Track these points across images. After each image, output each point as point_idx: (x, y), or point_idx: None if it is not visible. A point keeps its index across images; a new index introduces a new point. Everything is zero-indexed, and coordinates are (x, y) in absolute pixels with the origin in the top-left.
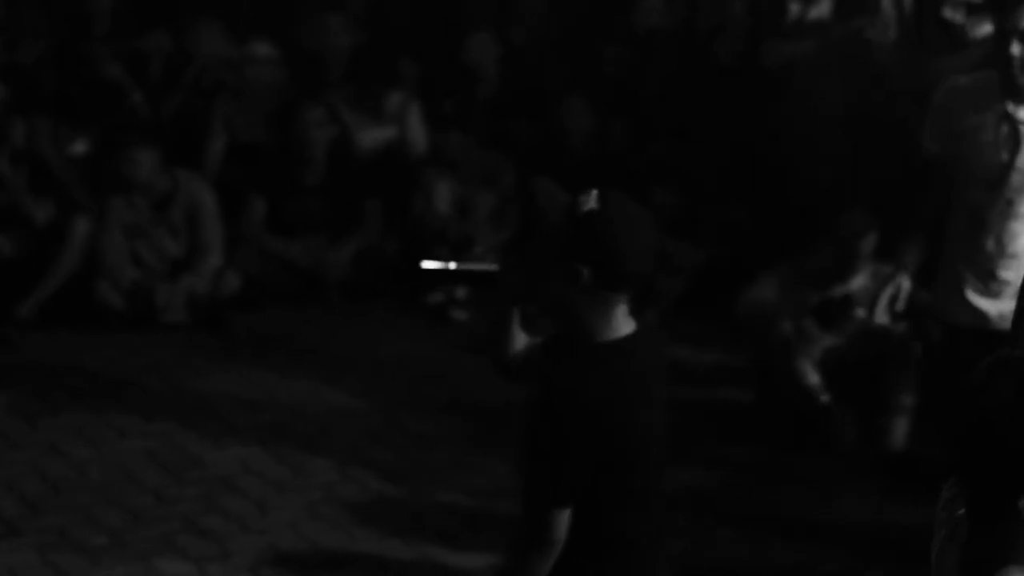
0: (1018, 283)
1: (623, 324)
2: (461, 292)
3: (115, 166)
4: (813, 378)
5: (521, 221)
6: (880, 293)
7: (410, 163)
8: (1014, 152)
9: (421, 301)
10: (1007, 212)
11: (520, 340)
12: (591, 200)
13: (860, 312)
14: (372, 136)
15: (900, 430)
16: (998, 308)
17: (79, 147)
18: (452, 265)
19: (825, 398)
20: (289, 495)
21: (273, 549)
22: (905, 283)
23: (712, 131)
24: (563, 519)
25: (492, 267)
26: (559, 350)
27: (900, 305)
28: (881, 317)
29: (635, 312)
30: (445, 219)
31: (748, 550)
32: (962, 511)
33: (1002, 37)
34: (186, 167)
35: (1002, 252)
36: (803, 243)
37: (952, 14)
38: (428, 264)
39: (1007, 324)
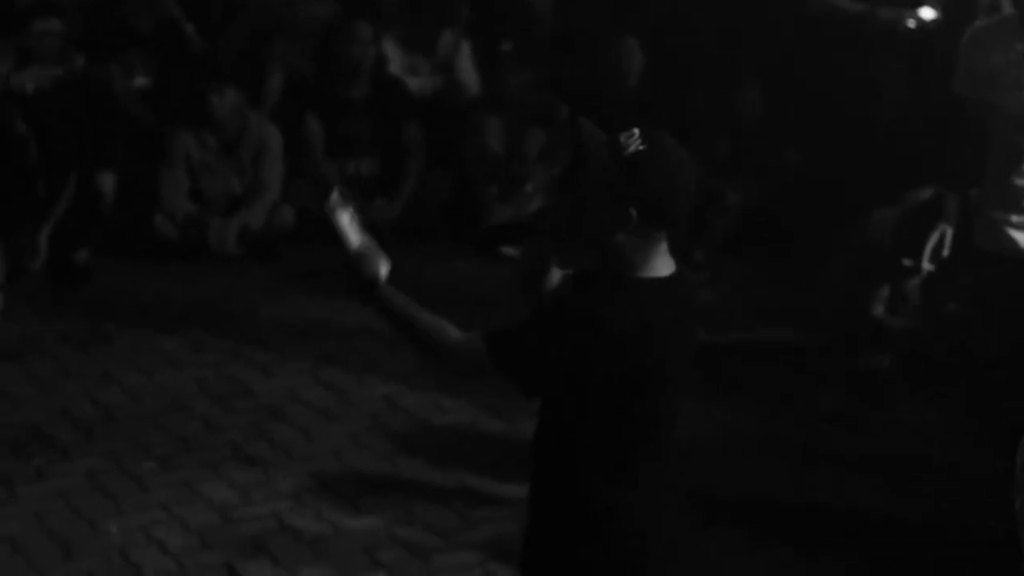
0: None
1: (663, 263)
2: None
3: (193, 97)
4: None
5: (569, 160)
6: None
7: (461, 104)
8: None
9: (472, 237)
10: None
11: (556, 276)
12: (635, 139)
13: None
14: (420, 83)
15: None
16: None
17: (140, 80)
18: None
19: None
20: (335, 424)
21: (317, 477)
22: (949, 230)
23: (767, 72)
24: (476, 360)
25: (539, 215)
26: (592, 283)
27: (945, 252)
28: (926, 263)
29: (682, 251)
30: (496, 158)
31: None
32: None
33: None
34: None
35: None
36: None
37: None
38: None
39: None
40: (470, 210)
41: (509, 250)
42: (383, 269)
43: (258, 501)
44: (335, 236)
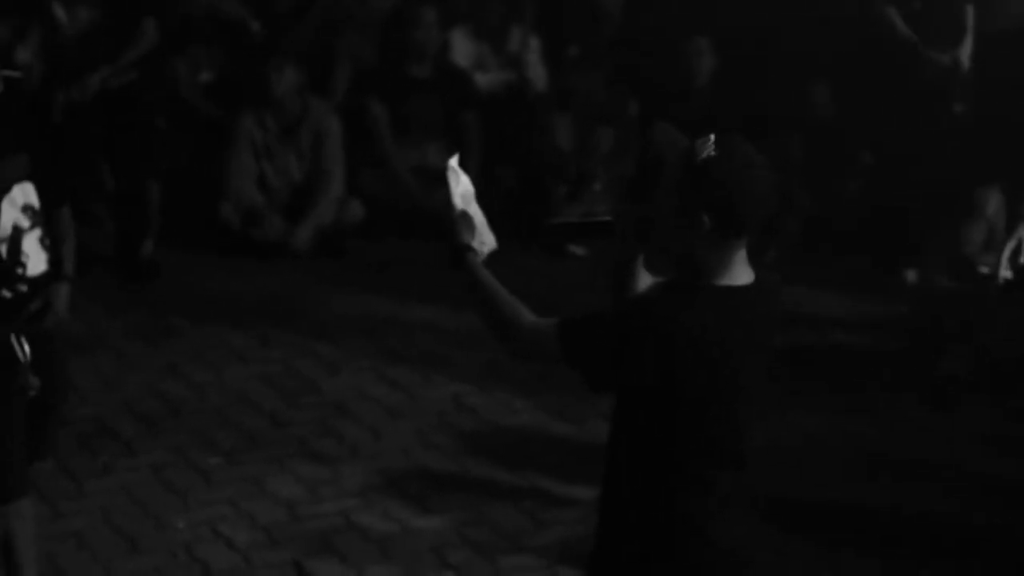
0: None
1: (741, 272)
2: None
3: (255, 79)
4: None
5: (637, 165)
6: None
7: (529, 100)
8: None
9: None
10: None
11: (644, 282)
12: (709, 146)
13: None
14: (488, 79)
15: None
16: None
17: (205, 75)
18: (574, 219)
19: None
20: (402, 421)
21: (383, 474)
22: None
23: (838, 73)
24: (547, 350)
25: (610, 218)
26: (672, 289)
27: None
28: (1004, 269)
29: (756, 252)
30: (564, 155)
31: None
32: None
33: None
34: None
35: None
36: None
37: None
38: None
39: None
40: (537, 207)
41: (577, 249)
42: (483, 243)
43: (325, 498)
44: (444, 197)
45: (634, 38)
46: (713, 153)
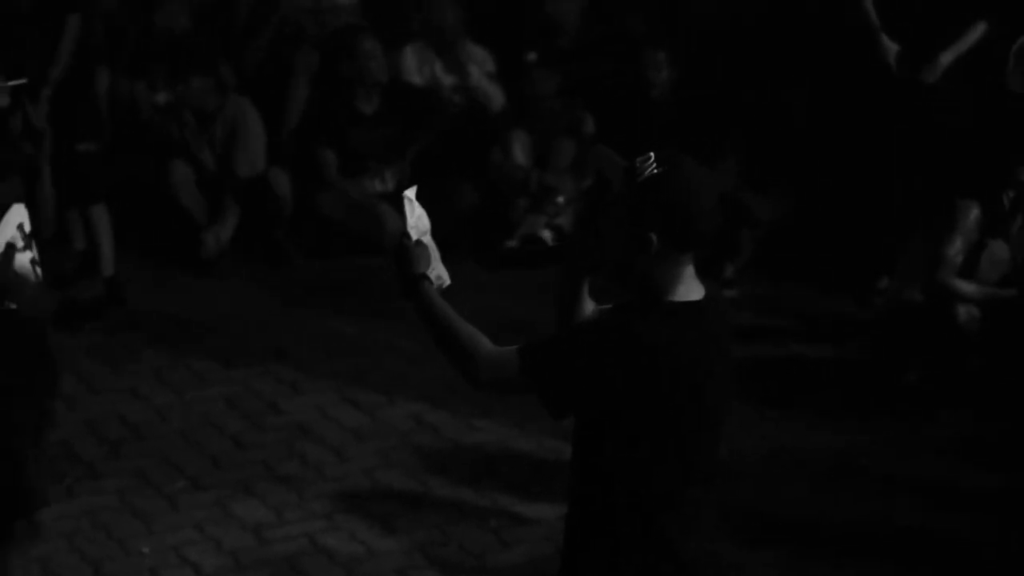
0: None
1: (692, 287)
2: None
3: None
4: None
5: (591, 192)
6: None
7: (486, 115)
8: None
9: (500, 251)
10: None
11: (589, 308)
12: (650, 164)
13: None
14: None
15: None
16: None
17: (160, 98)
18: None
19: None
20: (365, 442)
21: (349, 496)
22: None
23: (802, 83)
24: (509, 382)
25: (564, 242)
26: (631, 310)
27: None
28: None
29: (713, 267)
30: (525, 170)
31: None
32: None
33: None
34: (269, 113)
35: None
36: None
37: None
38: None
39: None
40: (497, 222)
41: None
42: (439, 276)
43: (291, 521)
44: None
45: (589, 48)
46: (655, 171)
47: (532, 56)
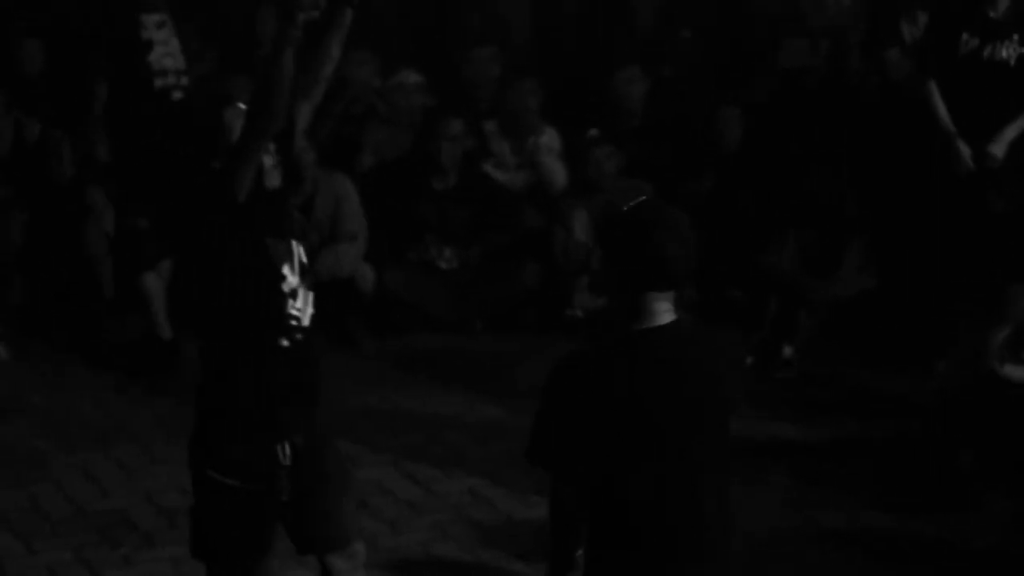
0: None
1: (662, 316)
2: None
3: None
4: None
5: None
6: None
7: (549, 195)
8: None
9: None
10: None
11: None
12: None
13: None
14: (508, 178)
15: None
16: None
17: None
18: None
19: None
20: (420, 515)
21: (403, 569)
22: None
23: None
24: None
25: None
26: (607, 343)
27: None
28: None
29: (771, 348)
30: (586, 248)
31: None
32: None
33: None
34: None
35: None
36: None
37: None
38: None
39: None
40: (558, 299)
41: None
42: None
43: None
44: None
45: (655, 125)
46: (628, 215)
47: (594, 132)
